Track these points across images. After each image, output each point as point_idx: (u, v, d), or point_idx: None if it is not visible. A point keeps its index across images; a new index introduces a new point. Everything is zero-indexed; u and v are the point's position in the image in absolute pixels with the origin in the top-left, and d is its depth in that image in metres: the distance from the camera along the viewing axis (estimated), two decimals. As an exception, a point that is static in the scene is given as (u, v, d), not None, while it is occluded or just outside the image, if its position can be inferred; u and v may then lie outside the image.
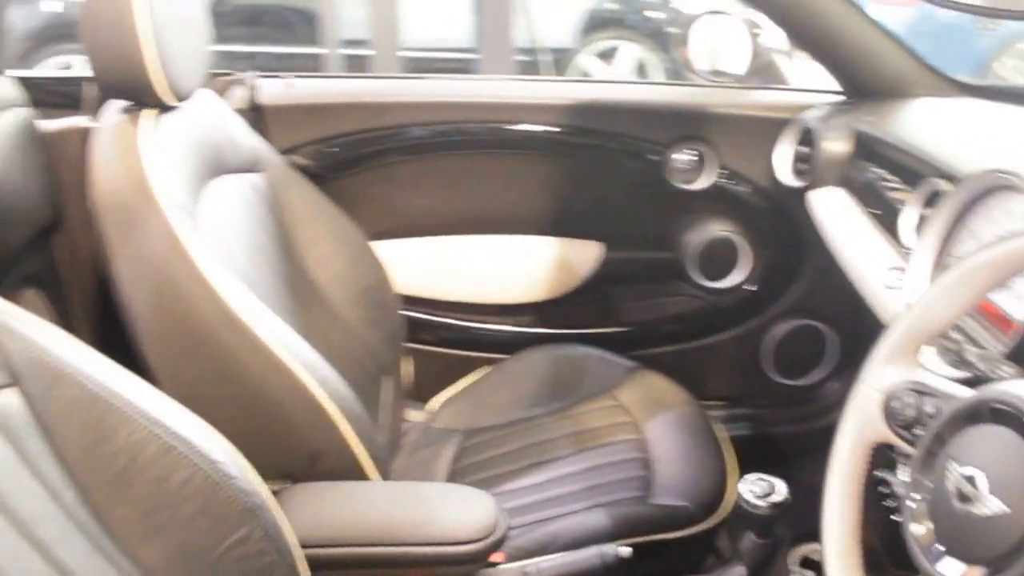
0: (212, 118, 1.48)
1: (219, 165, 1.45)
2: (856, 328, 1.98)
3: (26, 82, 1.62)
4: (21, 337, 0.85)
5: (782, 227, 1.91)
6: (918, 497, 0.82)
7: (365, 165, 1.84)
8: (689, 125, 1.84)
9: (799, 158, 1.78)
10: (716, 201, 1.89)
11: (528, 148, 1.86)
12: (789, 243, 1.93)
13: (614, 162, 1.88)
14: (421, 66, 4.70)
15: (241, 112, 1.71)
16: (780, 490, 1.28)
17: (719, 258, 1.92)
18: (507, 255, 1.92)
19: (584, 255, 1.92)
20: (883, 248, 1.44)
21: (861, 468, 0.93)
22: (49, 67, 4.84)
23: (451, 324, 1.96)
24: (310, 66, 4.82)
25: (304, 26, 5.57)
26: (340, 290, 1.65)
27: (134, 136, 1.24)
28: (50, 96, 1.73)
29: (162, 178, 1.22)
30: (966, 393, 0.85)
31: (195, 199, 1.33)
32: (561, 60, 5.45)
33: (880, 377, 0.92)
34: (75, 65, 4.66)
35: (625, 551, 1.28)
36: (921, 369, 0.90)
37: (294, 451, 1.23)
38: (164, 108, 1.30)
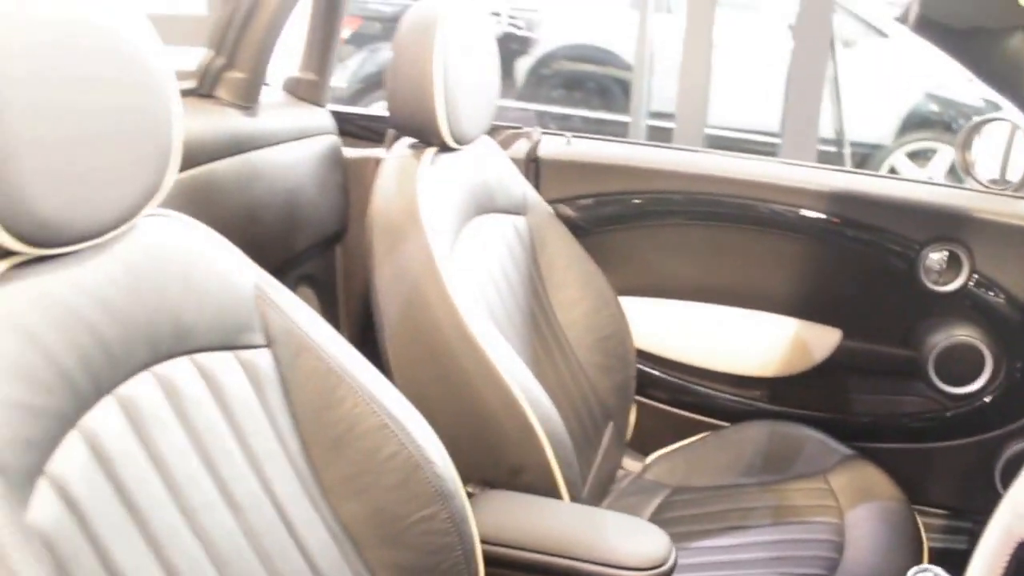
0: (488, 162, 1.68)
1: (488, 203, 1.65)
2: None
3: (339, 116, 1.92)
4: (280, 311, 1.06)
5: None
6: None
7: (625, 223, 1.98)
8: (947, 226, 1.83)
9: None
10: (965, 306, 1.86)
11: (781, 228, 1.92)
12: None
13: (865, 253, 1.89)
14: (722, 144, 4.81)
15: (520, 162, 1.93)
16: None
17: (960, 363, 1.87)
18: (746, 328, 1.98)
19: (821, 339, 1.94)
20: None
21: (1003, 563, 0.94)
22: (376, 107, 5.40)
23: (682, 385, 2.03)
24: (619, 132, 5.05)
25: (621, 95, 5.86)
26: (580, 333, 1.79)
27: (415, 168, 1.46)
28: (359, 130, 2.02)
29: (430, 206, 1.43)
30: None
31: (458, 229, 1.53)
32: (872, 156, 5.38)
33: None
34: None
35: None
36: None
37: (499, 462, 1.38)
38: (445, 148, 1.52)
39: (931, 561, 1.56)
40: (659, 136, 4.54)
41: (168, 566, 0.86)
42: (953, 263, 1.85)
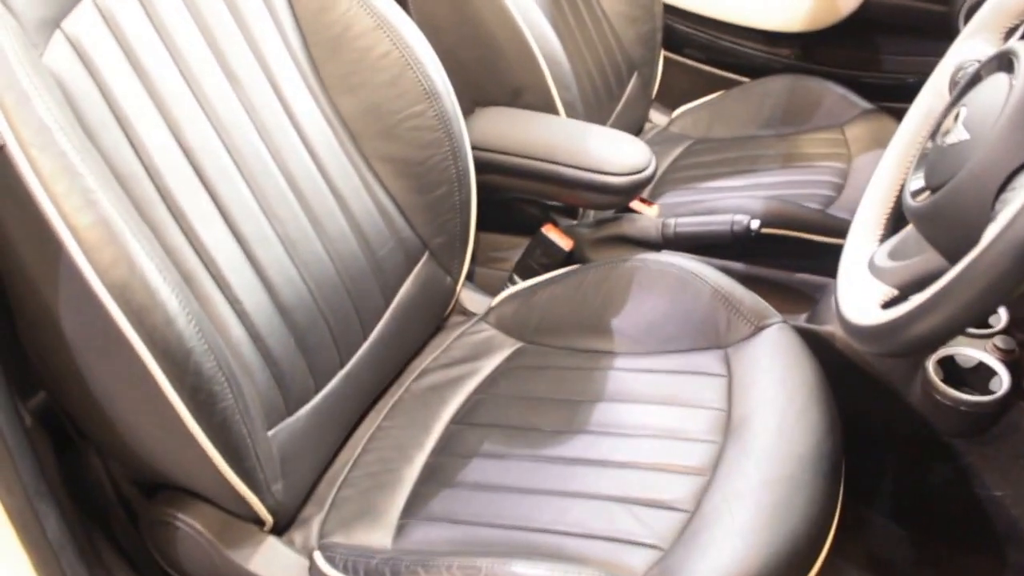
0: None
1: None
2: None
3: None
4: None
5: None
6: (930, 142, 0.88)
7: None
8: None
9: None
10: None
11: None
12: None
13: None
14: None
15: None
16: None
17: None
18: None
19: None
20: None
21: (920, 138, 0.98)
22: None
23: (710, 41, 2.04)
24: None
25: None
26: None
27: None
28: None
29: None
30: None
31: None
32: None
33: (959, 51, 0.95)
34: None
35: (755, 224, 1.38)
36: None
37: (502, 83, 1.45)
38: None
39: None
40: None
41: (170, 122, 0.96)
42: None
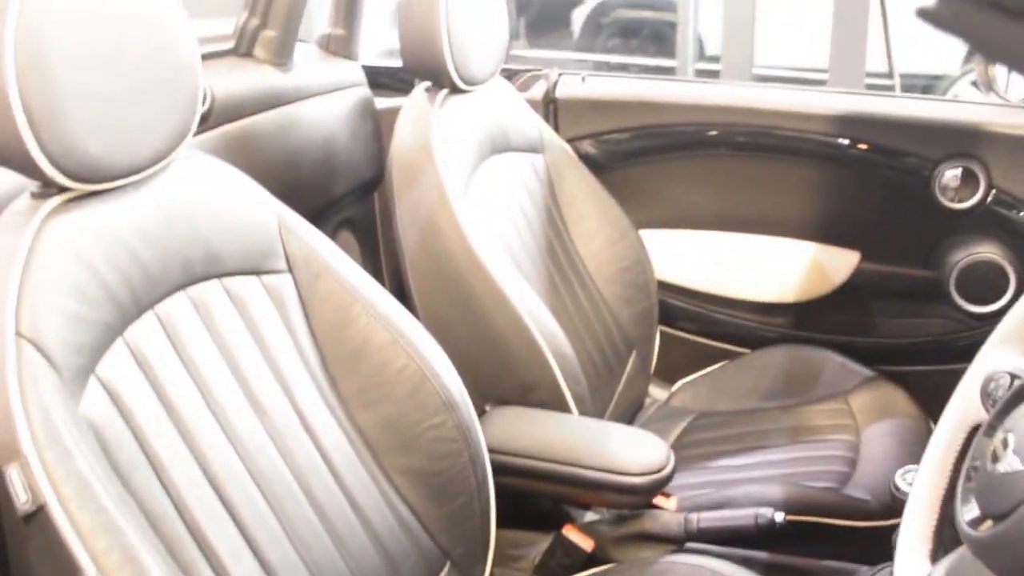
0: (502, 103, 1.75)
1: (503, 143, 1.71)
2: None
3: (371, 69, 2.01)
4: (300, 240, 1.17)
5: None
6: (976, 463, 0.86)
7: (642, 159, 2.03)
8: (962, 143, 1.82)
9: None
10: (984, 222, 1.85)
11: (796, 154, 1.94)
12: None
13: (880, 174, 1.90)
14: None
15: (538, 103, 1.99)
16: None
17: (982, 282, 1.87)
18: (765, 255, 2.01)
19: (840, 262, 1.96)
20: None
21: (956, 448, 0.96)
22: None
23: (704, 314, 2.08)
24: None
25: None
26: (599, 265, 1.85)
27: (428, 108, 1.55)
28: (390, 81, 2.11)
29: (443, 142, 1.51)
30: None
31: (473, 166, 1.60)
32: (935, 87, 5.26)
33: (988, 359, 0.95)
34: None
35: (779, 516, 1.35)
36: None
37: (511, 380, 1.46)
38: (456, 90, 1.59)
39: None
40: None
41: (198, 455, 0.98)
42: (970, 179, 1.83)
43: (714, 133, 1.98)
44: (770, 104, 1.94)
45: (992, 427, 0.87)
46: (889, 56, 4.17)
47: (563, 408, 1.46)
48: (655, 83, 2.14)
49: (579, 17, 6.30)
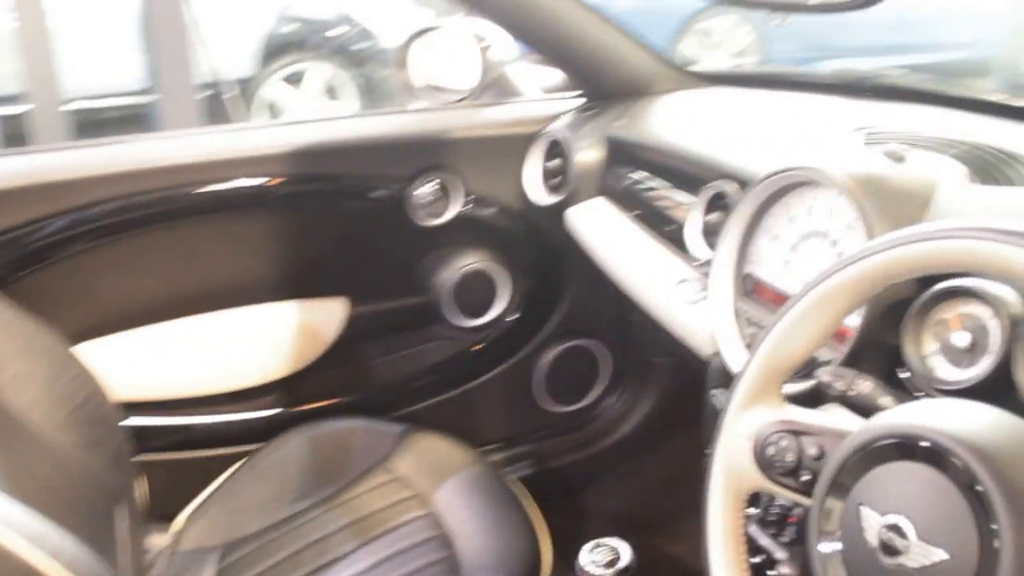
0: None
1: None
2: (626, 340, 1.91)
3: None
4: None
5: (539, 249, 1.82)
6: (828, 552, 0.72)
7: (48, 257, 1.54)
8: (427, 155, 1.70)
9: (550, 173, 1.69)
10: (465, 232, 1.76)
11: (246, 207, 1.65)
12: (548, 264, 1.84)
13: (348, 207, 1.71)
14: (92, 118, 4.27)
15: None
16: (624, 554, 1.15)
17: (476, 293, 1.79)
18: (238, 331, 1.70)
19: (329, 315, 1.74)
20: (662, 258, 1.36)
21: (739, 522, 0.85)
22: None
23: (186, 424, 1.71)
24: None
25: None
26: (45, 414, 1.36)
27: None
28: None
29: None
30: (847, 425, 0.76)
31: None
32: (245, 90, 5.16)
33: (745, 423, 0.83)
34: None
35: None
36: (789, 407, 0.82)
37: None
38: None
39: (536, 491, 1.46)
40: (13, 126, 3.86)
41: None
42: (443, 190, 1.72)
43: (133, 205, 1.56)
44: (199, 156, 1.59)
45: (829, 506, 0.73)
46: (212, 63, 3.98)
47: None
48: (29, 158, 1.64)
49: None
